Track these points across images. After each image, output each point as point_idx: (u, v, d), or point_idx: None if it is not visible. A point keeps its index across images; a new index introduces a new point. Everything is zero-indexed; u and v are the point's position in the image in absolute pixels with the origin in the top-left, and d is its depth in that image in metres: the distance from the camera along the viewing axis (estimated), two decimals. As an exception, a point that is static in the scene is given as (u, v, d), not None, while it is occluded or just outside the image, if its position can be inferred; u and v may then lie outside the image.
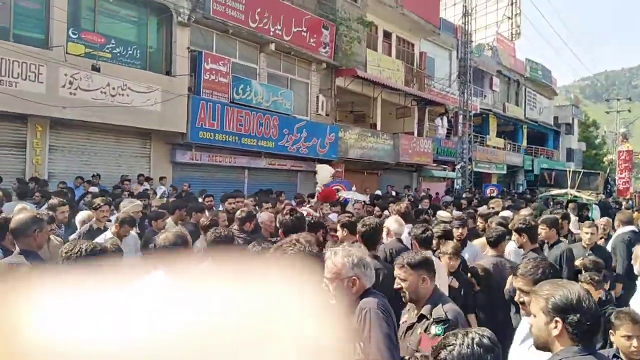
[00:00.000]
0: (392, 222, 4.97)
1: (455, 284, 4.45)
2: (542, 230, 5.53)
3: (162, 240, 3.12)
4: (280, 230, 4.20)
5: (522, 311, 2.68)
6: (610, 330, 3.01)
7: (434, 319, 2.78)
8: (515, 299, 2.70)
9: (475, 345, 1.65)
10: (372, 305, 2.44)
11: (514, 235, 4.63)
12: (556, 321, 1.93)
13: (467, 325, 2.99)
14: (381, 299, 2.55)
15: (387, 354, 2.33)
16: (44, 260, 3.95)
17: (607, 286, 4.90)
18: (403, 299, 2.89)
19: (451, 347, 1.65)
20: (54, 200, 6.21)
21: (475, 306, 4.49)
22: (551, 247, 5.50)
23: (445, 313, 2.78)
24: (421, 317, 2.86)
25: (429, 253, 4.49)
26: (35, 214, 3.84)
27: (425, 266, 2.94)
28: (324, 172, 8.40)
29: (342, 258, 2.43)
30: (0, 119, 10.46)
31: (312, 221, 4.29)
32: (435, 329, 2.74)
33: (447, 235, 5.04)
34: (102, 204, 5.76)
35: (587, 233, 6.02)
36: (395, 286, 2.92)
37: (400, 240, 4.97)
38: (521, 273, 2.69)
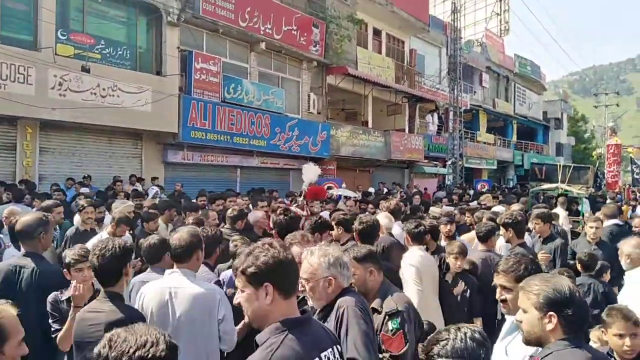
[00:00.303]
0: (382, 218, 4.98)
1: (462, 286, 4.37)
2: (537, 225, 5.56)
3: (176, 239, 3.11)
4: (274, 230, 4.16)
5: (503, 309, 2.60)
6: (602, 329, 2.89)
7: (386, 313, 2.78)
8: (497, 296, 2.61)
9: (468, 340, 1.64)
10: (349, 303, 2.42)
11: (501, 230, 4.63)
12: (550, 316, 1.92)
13: (418, 315, 2.93)
14: (358, 297, 2.54)
15: (363, 350, 2.32)
16: (49, 262, 3.94)
17: (606, 277, 4.92)
18: None
19: (444, 341, 1.63)
20: (49, 202, 6.14)
21: (482, 309, 4.38)
22: (544, 241, 5.53)
23: (396, 305, 2.78)
24: (372, 311, 2.83)
25: (421, 248, 4.51)
26: (41, 216, 3.82)
27: (371, 259, 2.96)
28: (311, 172, 8.36)
29: (318, 258, 2.40)
30: (-11, 122, 10.36)
31: (320, 221, 4.19)
32: (392, 324, 2.74)
33: (432, 231, 5.02)
34: (86, 205, 5.64)
35: (591, 227, 5.86)
36: None
37: (391, 235, 4.97)
38: (503, 270, 2.59)
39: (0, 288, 3.47)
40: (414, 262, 4.33)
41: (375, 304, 2.85)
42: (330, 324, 2.36)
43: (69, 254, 3.18)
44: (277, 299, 1.74)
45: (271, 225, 4.01)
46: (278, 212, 3.99)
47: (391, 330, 2.72)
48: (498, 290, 2.60)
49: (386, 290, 2.90)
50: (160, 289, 2.97)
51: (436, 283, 4.51)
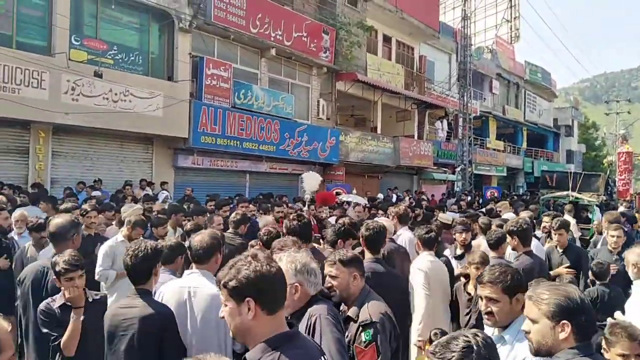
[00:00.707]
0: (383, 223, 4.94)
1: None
2: (560, 236, 5.55)
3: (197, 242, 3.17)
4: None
5: (487, 322, 2.49)
6: (604, 346, 2.67)
7: (360, 323, 2.72)
8: (482, 309, 2.50)
9: (488, 345, 1.59)
10: (321, 312, 2.41)
11: (508, 238, 4.57)
12: (563, 324, 1.89)
13: (394, 325, 2.82)
14: (329, 305, 2.52)
15: (338, 357, 2.32)
16: None
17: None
18: (333, 298, 2.83)
19: (467, 350, 1.55)
20: (69, 205, 6.19)
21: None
22: (565, 251, 5.49)
23: (370, 316, 2.71)
24: (348, 319, 2.80)
25: (431, 254, 4.48)
26: (73, 218, 3.87)
27: (356, 263, 2.92)
28: (312, 180, 8.33)
29: (285, 264, 2.37)
30: (3, 126, 10.47)
31: (344, 228, 4.14)
32: (364, 336, 2.68)
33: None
34: (89, 209, 5.64)
35: (613, 237, 5.57)
36: (326, 284, 2.86)
37: (392, 240, 4.93)
38: (489, 280, 2.47)
39: (29, 289, 3.52)
40: (423, 267, 4.33)
41: (351, 312, 2.81)
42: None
43: (60, 262, 3.09)
44: (260, 315, 1.66)
45: (284, 230, 3.97)
46: (291, 217, 3.95)
47: (364, 342, 2.67)
48: (483, 302, 2.49)
49: (365, 297, 2.85)
50: (179, 288, 3.05)
51: (446, 289, 4.49)
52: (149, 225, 6.39)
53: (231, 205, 8.45)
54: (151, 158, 13.23)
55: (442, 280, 4.50)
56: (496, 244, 4.68)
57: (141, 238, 5.24)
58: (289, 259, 2.41)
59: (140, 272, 2.92)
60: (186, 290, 3.02)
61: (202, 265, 3.12)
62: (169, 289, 3.09)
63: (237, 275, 1.67)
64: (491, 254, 4.80)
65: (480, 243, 5.72)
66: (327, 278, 2.88)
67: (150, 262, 2.94)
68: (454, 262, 5.40)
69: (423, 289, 4.26)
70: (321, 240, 5.52)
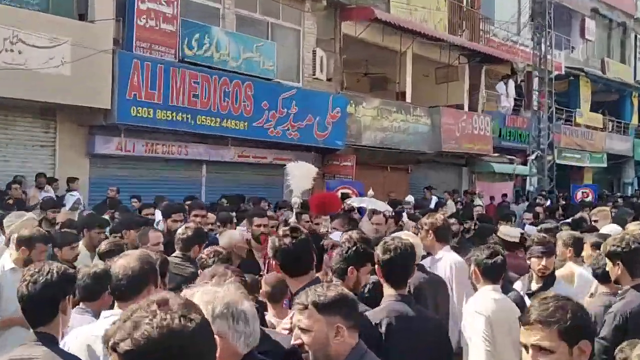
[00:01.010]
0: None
1: None
2: None
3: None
4: (274, 262, 4.09)
5: None
6: None
7: None
8: None
9: None
10: None
11: (608, 264, 4.57)
12: None
13: None
14: None
15: None
16: None
17: None
18: None
19: None
20: None
21: None
22: None
23: None
24: None
25: (497, 289, 4.47)
26: None
27: (342, 309, 2.77)
28: (301, 172, 8.34)
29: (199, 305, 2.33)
30: None
31: (355, 248, 4.11)
32: None
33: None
34: None
35: None
36: (293, 341, 2.81)
37: (422, 268, 4.92)
38: (539, 319, 2.43)
39: None
40: (484, 309, 4.35)
41: None
42: None
43: None
44: None
45: (269, 253, 3.95)
46: (281, 232, 3.93)
47: None
48: (529, 354, 2.46)
49: None
50: (92, 338, 3.09)
51: (512, 347, 4.49)
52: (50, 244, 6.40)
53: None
54: (53, 141, 13.23)
55: (513, 327, 4.48)
56: (607, 275, 4.67)
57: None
58: (205, 297, 2.32)
59: (41, 306, 2.93)
60: (100, 340, 3.04)
61: (126, 302, 3.11)
62: (76, 338, 3.15)
63: (133, 333, 1.54)
64: (601, 289, 4.81)
65: (573, 271, 5.70)
66: (296, 331, 2.80)
67: (54, 292, 2.95)
68: (528, 302, 5.40)
69: (483, 342, 4.28)
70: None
